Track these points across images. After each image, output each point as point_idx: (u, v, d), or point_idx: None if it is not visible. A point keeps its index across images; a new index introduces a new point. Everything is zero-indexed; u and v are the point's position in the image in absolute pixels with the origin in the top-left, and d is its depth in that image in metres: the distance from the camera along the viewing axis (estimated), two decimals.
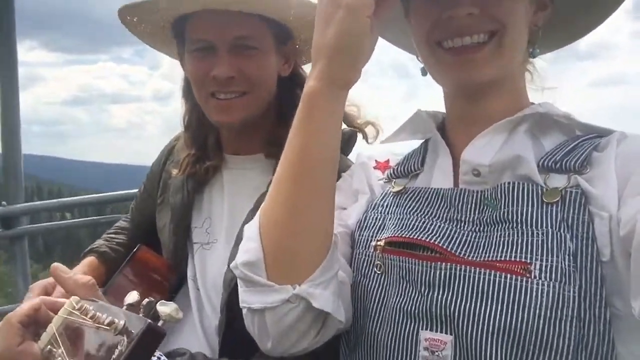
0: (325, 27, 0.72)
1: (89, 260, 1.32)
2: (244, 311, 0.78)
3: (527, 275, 0.69)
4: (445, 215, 0.81)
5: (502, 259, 0.72)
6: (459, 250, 0.75)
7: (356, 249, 0.90)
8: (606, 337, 0.67)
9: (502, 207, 0.76)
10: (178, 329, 1.18)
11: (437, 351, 0.73)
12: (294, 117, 0.77)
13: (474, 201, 0.79)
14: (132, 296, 0.66)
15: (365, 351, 0.82)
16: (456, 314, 0.72)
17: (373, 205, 0.92)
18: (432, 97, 0.91)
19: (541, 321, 0.67)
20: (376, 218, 0.89)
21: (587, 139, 0.79)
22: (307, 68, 1.29)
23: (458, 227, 0.79)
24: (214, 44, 1.12)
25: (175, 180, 1.31)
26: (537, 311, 0.67)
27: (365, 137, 1.26)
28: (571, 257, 0.69)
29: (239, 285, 0.79)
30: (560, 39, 0.94)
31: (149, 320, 0.58)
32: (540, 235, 0.71)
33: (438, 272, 0.75)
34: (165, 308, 0.63)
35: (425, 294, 0.75)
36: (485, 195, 0.79)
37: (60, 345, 0.67)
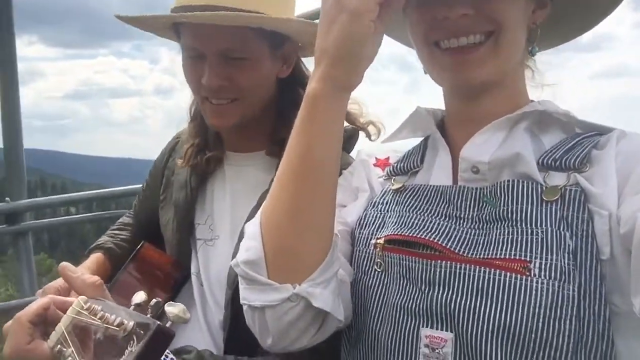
0: (328, 29, 0.72)
1: (96, 256, 1.34)
2: (245, 308, 0.79)
3: (527, 273, 0.70)
4: (444, 213, 0.81)
5: (501, 256, 0.72)
6: (458, 248, 0.76)
7: (356, 247, 0.90)
8: (605, 335, 0.67)
9: (502, 205, 0.76)
10: (181, 324, 1.20)
11: (437, 348, 0.74)
12: (295, 115, 0.77)
13: (472, 198, 0.80)
14: (140, 296, 0.67)
15: (366, 348, 0.83)
16: (456, 311, 0.73)
17: (373, 203, 0.93)
18: (435, 87, 0.90)
19: (540, 319, 0.67)
20: (376, 216, 0.90)
21: (586, 136, 0.79)
22: (308, 63, 1.29)
23: (457, 224, 0.79)
24: (203, 52, 1.12)
25: (179, 177, 1.32)
26: (537, 309, 0.68)
27: (368, 135, 1.26)
28: (571, 256, 0.69)
29: (239, 282, 0.80)
30: (561, 35, 0.94)
31: (159, 322, 0.58)
32: (539, 234, 0.71)
33: (438, 270, 0.75)
34: (173, 309, 0.64)
35: (426, 292, 0.76)
36: (485, 193, 0.79)
37: (70, 344, 0.67)
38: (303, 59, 1.28)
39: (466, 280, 0.73)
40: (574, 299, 0.67)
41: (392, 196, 0.90)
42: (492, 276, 0.72)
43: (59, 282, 1.10)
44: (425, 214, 0.83)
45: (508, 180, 0.77)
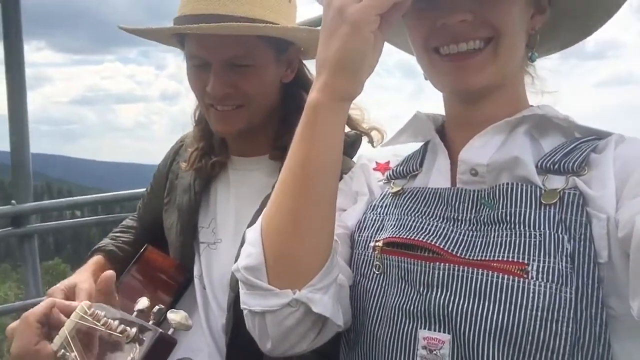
0: (329, 40, 0.72)
1: (96, 259, 1.34)
2: (245, 312, 0.80)
3: (524, 275, 0.70)
4: (442, 214, 0.82)
5: (499, 259, 0.73)
6: (455, 249, 0.76)
7: (355, 250, 0.91)
8: (602, 337, 0.67)
9: (500, 207, 0.76)
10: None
11: (435, 350, 0.74)
12: (298, 119, 0.78)
13: (470, 200, 0.80)
14: (142, 302, 0.67)
15: (365, 349, 0.84)
16: (454, 313, 0.73)
17: (372, 206, 0.94)
18: (439, 95, 0.91)
19: (537, 322, 0.68)
20: (375, 219, 0.90)
21: (585, 141, 0.80)
22: (309, 65, 1.29)
23: (455, 226, 0.80)
24: (208, 61, 1.12)
25: (183, 181, 1.33)
26: (534, 312, 0.68)
27: (370, 140, 1.27)
28: (568, 259, 0.69)
29: (240, 287, 0.81)
30: (560, 42, 0.94)
31: (161, 330, 0.59)
32: (537, 237, 0.72)
33: (436, 272, 0.76)
34: (175, 316, 0.65)
35: (424, 293, 0.77)
36: (483, 195, 0.79)
37: (73, 349, 0.68)
38: (305, 62, 1.28)
39: (464, 282, 0.74)
40: (571, 301, 0.68)
41: (391, 199, 0.91)
42: (489, 278, 0.72)
43: (65, 283, 1.11)
44: (424, 217, 0.83)
45: (507, 183, 0.77)
